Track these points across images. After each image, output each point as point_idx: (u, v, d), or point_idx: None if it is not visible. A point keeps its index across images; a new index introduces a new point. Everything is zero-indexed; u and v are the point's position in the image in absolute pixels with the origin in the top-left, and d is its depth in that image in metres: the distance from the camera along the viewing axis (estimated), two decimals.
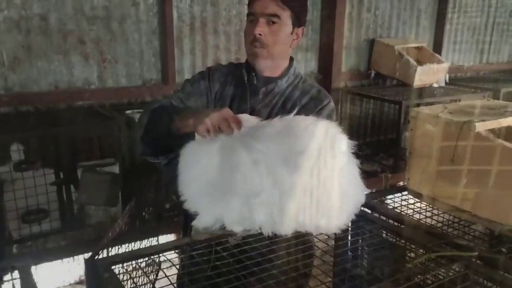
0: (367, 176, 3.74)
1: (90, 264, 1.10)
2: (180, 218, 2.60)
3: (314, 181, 1.09)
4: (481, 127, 1.34)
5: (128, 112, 2.79)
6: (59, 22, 2.92)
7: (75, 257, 2.71)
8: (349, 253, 1.50)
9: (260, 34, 1.47)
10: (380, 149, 4.19)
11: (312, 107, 1.55)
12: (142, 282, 1.13)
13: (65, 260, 2.73)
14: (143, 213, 2.31)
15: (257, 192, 1.10)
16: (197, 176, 1.22)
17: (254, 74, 1.57)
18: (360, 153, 4.19)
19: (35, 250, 2.27)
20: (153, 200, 2.45)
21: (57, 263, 2.68)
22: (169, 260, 1.11)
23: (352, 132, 4.33)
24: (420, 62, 4.17)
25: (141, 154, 1.47)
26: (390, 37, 4.47)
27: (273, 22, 1.47)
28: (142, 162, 2.47)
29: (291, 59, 1.63)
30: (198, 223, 1.24)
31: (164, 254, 1.14)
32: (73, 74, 3.04)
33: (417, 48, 4.39)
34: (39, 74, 2.94)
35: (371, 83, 4.44)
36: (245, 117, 1.25)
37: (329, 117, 1.55)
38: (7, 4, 2.74)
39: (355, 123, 4.28)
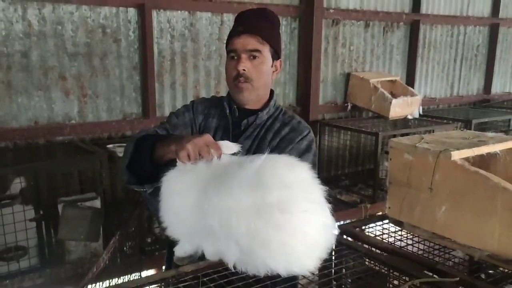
0: (346, 206, 3.81)
1: None
2: (162, 253, 2.58)
3: (286, 232, 1.08)
4: (456, 155, 1.40)
5: (109, 146, 2.78)
6: (41, 59, 2.95)
7: None
8: (334, 282, 1.51)
9: (244, 70, 1.52)
10: (359, 179, 4.26)
11: (292, 138, 1.59)
12: None
13: None
14: (125, 248, 2.27)
15: (230, 237, 1.11)
16: (176, 205, 1.22)
17: (235, 107, 1.62)
18: (339, 184, 4.29)
19: None
20: (135, 235, 2.42)
21: None
22: None
23: (331, 163, 4.40)
24: (394, 95, 4.32)
25: (127, 182, 1.47)
26: (365, 71, 4.64)
27: (255, 57, 1.54)
28: (123, 196, 2.46)
29: (272, 91, 1.69)
30: (179, 250, 1.25)
31: (151, 287, 1.14)
32: (53, 110, 3.04)
33: (391, 81, 4.56)
34: (18, 110, 2.93)
35: (348, 115, 4.56)
36: (225, 144, 1.26)
37: (308, 147, 1.59)
38: None
39: (333, 155, 4.37)
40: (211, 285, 1.15)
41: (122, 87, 3.27)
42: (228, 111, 1.63)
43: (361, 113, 4.62)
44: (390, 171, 1.60)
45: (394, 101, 4.13)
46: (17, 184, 2.37)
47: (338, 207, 3.74)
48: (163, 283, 1.19)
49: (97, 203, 2.34)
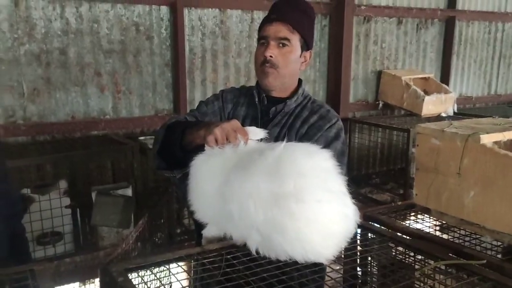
0: (376, 205, 3.76)
1: (104, 271, 1.12)
2: (191, 243, 2.63)
3: (300, 220, 1.07)
4: (486, 139, 1.37)
5: (141, 138, 2.86)
6: (78, 56, 3.07)
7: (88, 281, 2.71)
8: (359, 268, 1.50)
9: (271, 56, 1.54)
10: (390, 178, 4.20)
11: (321, 126, 1.59)
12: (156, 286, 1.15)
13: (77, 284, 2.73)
14: (155, 238, 2.33)
15: (249, 224, 1.12)
16: (202, 189, 1.25)
17: (264, 95, 1.64)
18: (369, 183, 4.23)
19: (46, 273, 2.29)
20: (164, 226, 2.48)
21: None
22: (181, 267, 1.14)
23: (361, 161, 4.36)
24: (427, 93, 4.24)
25: (157, 168, 1.52)
26: (397, 68, 4.57)
27: (284, 45, 1.56)
28: (154, 186, 2.53)
29: (300, 81, 1.70)
30: (207, 233, 1.27)
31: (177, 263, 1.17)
32: (89, 105, 3.16)
33: (424, 78, 4.47)
34: (57, 105, 3.06)
35: (379, 113, 4.51)
36: (252, 130, 1.29)
37: (337, 135, 1.59)
38: (28, 38, 2.89)
39: (364, 153, 4.32)
40: (235, 261, 1.16)
41: (155, 84, 3.36)
42: (256, 100, 1.65)
43: (393, 111, 4.55)
44: (417, 157, 1.58)
45: (427, 98, 4.06)
46: (54, 173, 2.48)
47: (368, 205, 3.70)
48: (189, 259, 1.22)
49: (128, 192, 2.43)
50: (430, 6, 4.66)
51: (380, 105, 4.46)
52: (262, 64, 1.57)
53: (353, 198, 1.21)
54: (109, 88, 3.20)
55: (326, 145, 1.52)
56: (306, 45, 1.63)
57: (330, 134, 1.58)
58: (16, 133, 2.92)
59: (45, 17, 2.92)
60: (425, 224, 1.58)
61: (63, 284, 2.42)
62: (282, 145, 1.18)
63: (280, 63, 1.56)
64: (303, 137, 1.54)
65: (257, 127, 1.53)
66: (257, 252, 1.13)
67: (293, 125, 1.61)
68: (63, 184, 2.46)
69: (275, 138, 1.56)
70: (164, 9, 3.29)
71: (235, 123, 1.29)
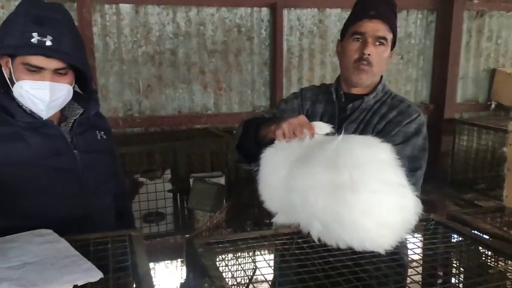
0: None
1: (189, 242, 1.27)
2: None
3: (355, 210, 1.10)
4: None
5: (235, 131, 3.05)
6: (185, 56, 3.36)
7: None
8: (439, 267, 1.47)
9: (369, 54, 1.56)
10: (498, 184, 3.87)
11: (400, 121, 1.57)
12: (235, 263, 1.26)
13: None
14: (244, 226, 2.49)
15: (311, 213, 1.18)
16: (270, 180, 1.34)
17: (342, 92, 1.67)
18: (474, 188, 3.94)
19: (152, 248, 2.59)
20: (253, 214, 2.63)
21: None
22: (256, 248, 1.24)
23: (467, 165, 4.08)
24: None
25: (237, 161, 1.66)
26: None
27: (380, 44, 1.57)
28: (245, 176, 2.69)
29: (381, 77, 1.70)
30: (276, 220, 1.36)
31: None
32: (193, 101, 3.44)
33: None
34: (166, 100, 3.39)
35: (490, 114, 4.17)
36: (318, 125, 1.34)
37: (418, 131, 1.56)
38: (145, 41, 3.25)
39: (470, 156, 4.03)
40: (305, 245, 1.23)
41: (253, 82, 3.54)
42: (334, 97, 1.69)
43: (508, 112, 4.18)
44: (508, 157, 1.49)
45: None
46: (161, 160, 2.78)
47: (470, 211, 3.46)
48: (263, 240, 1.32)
49: (222, 180, 2.63)
50: None
51: (493, 105, 4.13)
52: (357, 61, 1.58)
53: (455, 203, 1.20)
54: (211, 86, 3.45)
55: (405, 140, 1.51)
56: (394, 44, 1.63)
57: (409, 130, 1.56)
58: (132, 125, 3.31)
59: (160, 21, 3.25)
60: None
61: (166, 260, 2.69)
62: (340, 137, 1.22)
63: (375, 61, 1.57)
64: (380, 133, 1.54)
65: (334, 123, 1.57)
66: (319, 240, 1.19)
67: (370, 121, 1.61)
68: (167, 171, 2.75)
69: (352, 133, 1.58)
70: (265, 11, 3.45)
71: (302, 118, 1.35)
